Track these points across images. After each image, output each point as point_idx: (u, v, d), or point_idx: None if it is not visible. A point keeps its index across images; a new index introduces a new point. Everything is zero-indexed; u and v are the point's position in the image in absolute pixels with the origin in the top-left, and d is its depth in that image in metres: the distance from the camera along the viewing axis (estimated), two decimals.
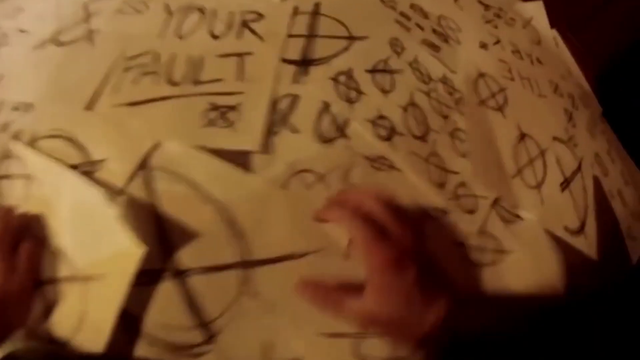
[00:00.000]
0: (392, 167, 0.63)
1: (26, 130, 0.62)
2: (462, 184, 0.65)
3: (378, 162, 0.63)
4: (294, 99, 0.64)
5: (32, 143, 0.60)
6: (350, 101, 0.66)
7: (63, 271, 0.54)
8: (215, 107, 0.62)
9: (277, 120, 0.62)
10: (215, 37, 0.71)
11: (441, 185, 0.63)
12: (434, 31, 0.87)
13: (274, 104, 0.63)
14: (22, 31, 0.79)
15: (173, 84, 0.64)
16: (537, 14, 1.18)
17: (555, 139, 0.82)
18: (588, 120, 0.96)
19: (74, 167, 0.57)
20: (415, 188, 0.62)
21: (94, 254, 0.53)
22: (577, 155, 0.84)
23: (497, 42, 0.96)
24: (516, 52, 0.98)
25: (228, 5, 0.76)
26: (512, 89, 0.85)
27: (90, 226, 0.55)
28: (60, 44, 0.73)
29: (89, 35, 0.72)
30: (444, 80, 0.76)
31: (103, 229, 0.53)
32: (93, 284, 0.52)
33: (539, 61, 1.01)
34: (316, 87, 0.66)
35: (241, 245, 0.54)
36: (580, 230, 0.74)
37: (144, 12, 0.76)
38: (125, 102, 0.62)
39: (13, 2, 0.88)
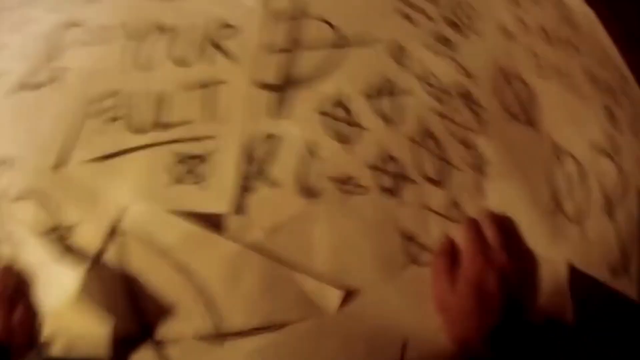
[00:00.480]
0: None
1: (11, 188, 0.56)
2: None
3: None
4: (273, 142, 0.51)
5: (13, 203, 0.55)
6: (343, 140, 0.52)
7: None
8: (183, 159, 0.52)
9: (253, 172, 0.50)
10: (179, 63, 0.58)
11: None
12: (446, 20, 0.70)
13: (248, 150, 0.51)
14: (1, 73, 0.68)
15: (140, 131, 0.54)
16: None
17: (595, 148, 0.67)
18: (631, 117, 0.79)
19: (48, 232, 0.52)
20: None
21: (68, 323, 0.49)
22: (621, 167, 0.68)
23: (522, 25, 0.78)
24: (544, 36, 0.80)
25: (190, 17, 0.62)
26: (543, 89, 0.69)
27: (63, 299, 0.49)
28: (30, 87, 0.63)
29: (56, 76, 0.62)
30: (462, 92, 0.60)
31: (74, 304, 0.48)
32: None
33: (572, 45, 0.83)
34: (299, 124, 0.52)
35: (213, 316, 0.48)
36: (624, 267, 0.61)
37: (105, 39, 0.64)
38: (93, 157, 0.54)
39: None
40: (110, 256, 0.50)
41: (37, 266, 0.52)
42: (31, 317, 0.52)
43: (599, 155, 0.67)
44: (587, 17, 0.94)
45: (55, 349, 0.50)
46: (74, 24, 0.70)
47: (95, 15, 0.70)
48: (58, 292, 0.50)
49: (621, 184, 0.66)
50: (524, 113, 0.64)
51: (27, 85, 0.64)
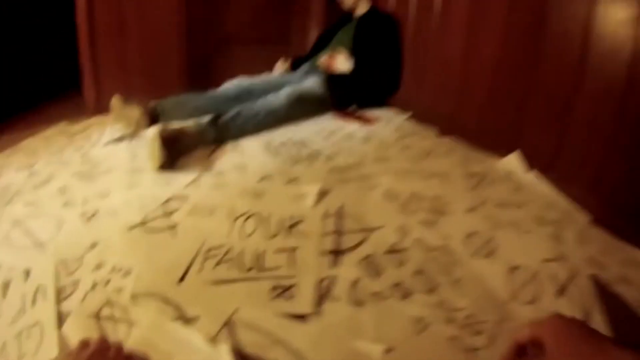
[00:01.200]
0: None
1: (127, 289, 0.86)
2: (469, 316, 0.88)
3: None
4: (333, 279, 0.92)
5: (133, 299, 0.84)
6: (375, 275, 0.94)
7: None
8: (278, 286, 0.90)
9: (322, 295, 0.89)
10: (271, 236, 1.03)
11: (452, 320, 0.86)
12: (431, 210, 1.18)
13: (319, 283, 0.91)
14: (113, 212, 1.11)
15: (245, 270, 0.93)
16: (515, 164, 1.51)
17: (545, 260, 1.05)
18: (576, 234, 1.19)
19: (173, 320, 0.80)
20: None
21: None
22: (568, 266, 1.04)
23: (482, 203, 1.25)
24: (500, 205, 1.26)
25: (277, 212, 1.10)
26: (499, 236, 1.11)
27: None
28: (148, 230, 1.04)
29: (172, 229, 1.05)
30: (443, 247, 1.04)
31: None
32: None
33: (521, 204, 1.29)
34: (347, 270, 0.94)
35: None
36: None
37: (213, 214, 1.10)
38: (209, 281, 0.90)
39: (101, 185, 1.26)
40: (225, 337, 0.78)
41: (160, 342, 0.76)
42: None
43: (549, 263, 1.04)
44: (532, 179, 1.44)
45: None
46: (179, 198, 1.16)
47: (198, 196, 1.16)
48: None
49: (569, 275, 1.01)
50: (484, 251, 1.06)
51: (145, 228, 1.03)
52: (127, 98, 1.71)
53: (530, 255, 1.07)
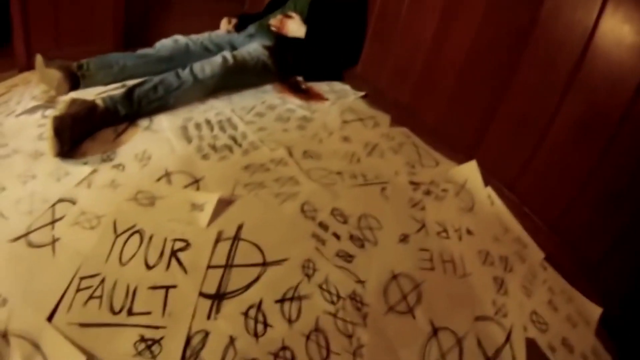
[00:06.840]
0: None
1: (2, 320, 0.77)
2: None
3: None
4: (206, 335, 0.76)
5: (5, 336, 0.75)
6: (256, 335, 0.76)
7: None
8: (143, 339, 0.76)
9: (190, 355, 0.74)
10: (148, 267, 0.86)
11: None
12: (351, 237, 0.98)
13: (189, 339, 0.75)
14: (2, 214, 0.97)
15: (113, 312, 0.79)
16: (471, 174, 1.30)
17: (478, 319, 0.89)
18: (524, 276, 1.03)
19: None
20: None
21: None
22: (505, 326, 0.90)
23: (421, 227, 1.06)
24: (442, 231, 1.07)
25: (162, 231, 0.92)
26: (430, 281, 0.93)
27: None
28: (30, 244, 0.90)
29: (53, 244, 0.90)
30: (353, 296, 0.85)
31: None
32: None
33: (469, 232, 1.10)
34: (226, 323, 0.77)
35: None
36: None
37: (96, 228, 0.93)
38: (76, 322, 0.78)
39: (1, 174, 1.10)
40: None
41: None
42: None
43: (482, 322, 0.89)
44: (486, 198, 1.24)
45: None
46: (69, 200, 1.00)
47: (87, 199, 1.00)
48: None
49: (504, 337, 0.88)
50: (405, 304, 0.87)
51: (27, 242, 0.89)
52: (57, 55, 1.50)
53: (462, 310, 0.90)
